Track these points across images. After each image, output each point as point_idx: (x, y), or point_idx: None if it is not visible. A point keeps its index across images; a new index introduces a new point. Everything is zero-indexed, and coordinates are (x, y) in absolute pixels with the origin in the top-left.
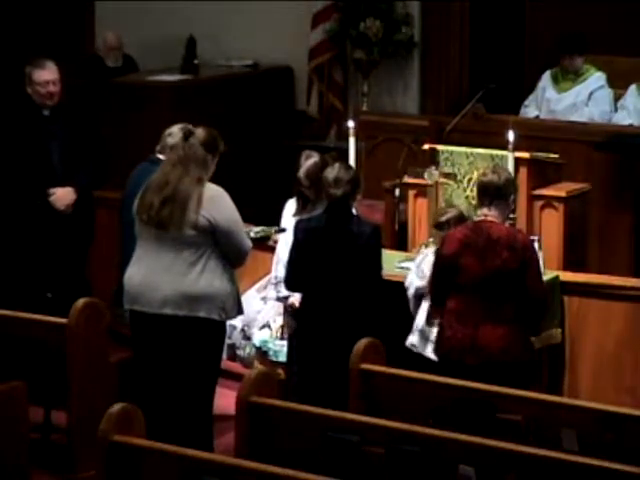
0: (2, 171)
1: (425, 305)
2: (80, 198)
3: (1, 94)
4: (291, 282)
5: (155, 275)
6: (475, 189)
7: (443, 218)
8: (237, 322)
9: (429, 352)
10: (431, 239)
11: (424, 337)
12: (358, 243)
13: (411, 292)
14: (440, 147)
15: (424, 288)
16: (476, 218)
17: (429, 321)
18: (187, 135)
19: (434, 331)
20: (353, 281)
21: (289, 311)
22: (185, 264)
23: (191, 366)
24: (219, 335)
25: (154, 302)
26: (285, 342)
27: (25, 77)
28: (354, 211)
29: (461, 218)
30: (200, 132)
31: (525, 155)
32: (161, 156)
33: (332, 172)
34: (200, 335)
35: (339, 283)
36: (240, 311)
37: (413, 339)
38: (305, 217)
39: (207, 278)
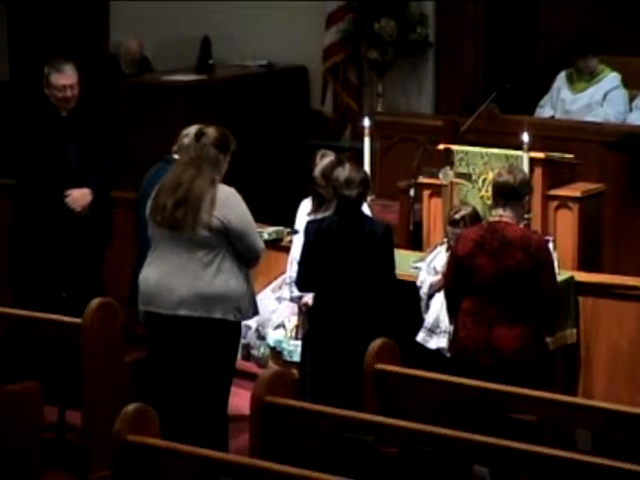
0: (19, 172)
1: (437, 301)
2: (97, 199)
3: (19, 94)
4: (302, 283)
5: (170, 276)
6: (490, 189)
7: (457, 215)
8: (252, 322)
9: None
10: (445, 239)
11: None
12: (371, 243)
13: (424, 290)
14: (455, 147)
15: (438, 283)
16: (491, 219)
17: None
18: (198, 136)
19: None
20: (366, 281)
21: (303, 311)
22: (200, 265)
23: (206, 366)
24: (234, 336)
25: (169, 303)
26: (299, 342)
27: (44, 77)
28: (367, 211)
29: (475, 215)
30: (211, 132)
31: (540, 155)
32: (177, 156)
33: (343, 173)
34: (215, 336)
35: (352, 283)
36: (255, 312)
37: (430, 338)
38: (316, 218)
39: (223, 278)
